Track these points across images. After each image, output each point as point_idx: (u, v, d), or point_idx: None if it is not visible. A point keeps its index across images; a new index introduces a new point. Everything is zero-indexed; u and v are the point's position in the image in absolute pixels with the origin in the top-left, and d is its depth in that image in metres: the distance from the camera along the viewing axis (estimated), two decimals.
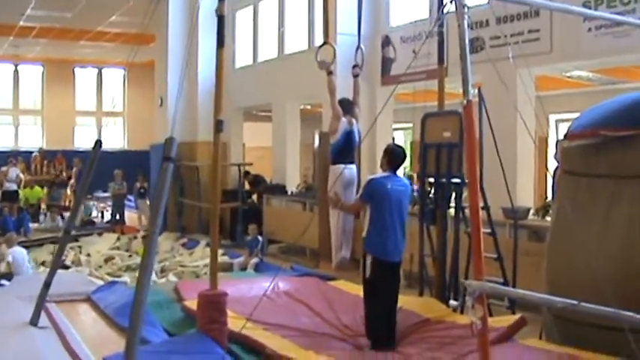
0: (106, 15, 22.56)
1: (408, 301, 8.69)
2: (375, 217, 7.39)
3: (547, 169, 8.35)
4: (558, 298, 4.30)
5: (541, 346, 6.76)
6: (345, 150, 9.28)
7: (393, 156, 7.73)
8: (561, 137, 7.71)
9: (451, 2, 4.23)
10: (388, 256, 7.35)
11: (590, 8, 9.40)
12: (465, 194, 9.42)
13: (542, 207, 10.39)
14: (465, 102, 4.14)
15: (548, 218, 9.76)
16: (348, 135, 9.29)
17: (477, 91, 8.04)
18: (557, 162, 7.29)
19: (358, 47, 9.65)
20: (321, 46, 9.87)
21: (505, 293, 4.96)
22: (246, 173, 18.42)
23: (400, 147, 8.07)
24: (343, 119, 9.22)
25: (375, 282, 7.39)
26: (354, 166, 9.35)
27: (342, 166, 9.14)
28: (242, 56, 19.04)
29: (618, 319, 3.97)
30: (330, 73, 9.30)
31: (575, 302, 3.83)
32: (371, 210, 7.45)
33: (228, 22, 8.37)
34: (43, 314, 8.71)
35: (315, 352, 7.08)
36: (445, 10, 4.78)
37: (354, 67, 9.68)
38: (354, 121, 9.39)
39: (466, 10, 4.12)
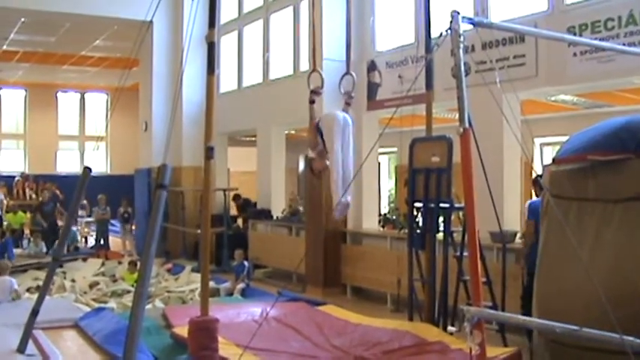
0: (90, 39, 22.59)
1: (402, 325, 8.73)
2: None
3: (538, 192, 8.46)
4: (555, 322, 4.33)
5: None
6: None
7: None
8: (547, 161, 7.75)
9: (446, 31, 4.28)
10: None
11: (574, 34, 9.50)
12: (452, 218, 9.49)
13: None
14: (461, 130, 4.18)
15: None
16: None
17: None
18: (544, 186, 7.33)
19: (348, 74, 9.54)
20: (311, 73, 9.78)
21: (503, 319, 4.97)
22: (237, 196, 18.42)
23: None
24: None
25: None
26: (348, 116, 9.10)
27: (337, 111, 8.96)
28: (227, 81, 19.06)
29: (619, 343, 4.00)
30: (312, 102, 9.13)
31: (576, 327, 3.86)
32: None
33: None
34: (30, 341, 8.63)
35: None
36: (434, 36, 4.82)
37: (349, 96, 9.48)
38: None
39: (461, 39, 4.17)
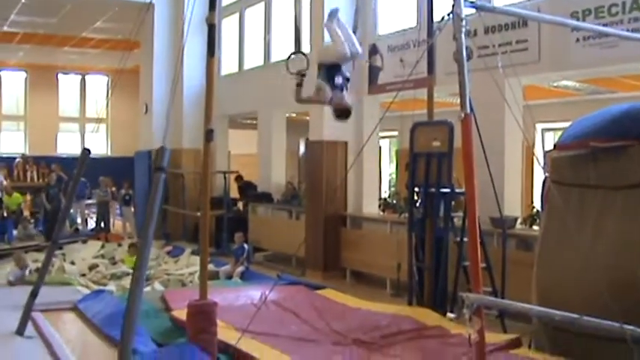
0: (91, 21, 22.45)
1: (401, 309, 8.71)
2: None
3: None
4: (555, 310, 4.31)
5: (532, 356, 6.76)
6: None
7: None
8: (548, 147, 7.71)
9: (448, 15, 4.23)
10: None
11: (578, 19, 9.42)
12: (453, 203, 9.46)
13: (530, 216, 10.41)
14: (462, 115, 4.14)
15: (536, 227, 9.80)
16: None
17: None
18: (545, 172, 7.30)
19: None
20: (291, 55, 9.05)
21: (502, 306, 4.95)
22: (239, 177, 18.39)
23: None
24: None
25: None
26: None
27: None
28: (228, 64, 18.98)
29: (619, 332, 3.98)
30: (299, 84, 8.53)
31: (576, 316, 3.83)
32: None
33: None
34: (29, 324, 8.64)
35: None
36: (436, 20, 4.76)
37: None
38: None
39: (464, 23, 4.12)
